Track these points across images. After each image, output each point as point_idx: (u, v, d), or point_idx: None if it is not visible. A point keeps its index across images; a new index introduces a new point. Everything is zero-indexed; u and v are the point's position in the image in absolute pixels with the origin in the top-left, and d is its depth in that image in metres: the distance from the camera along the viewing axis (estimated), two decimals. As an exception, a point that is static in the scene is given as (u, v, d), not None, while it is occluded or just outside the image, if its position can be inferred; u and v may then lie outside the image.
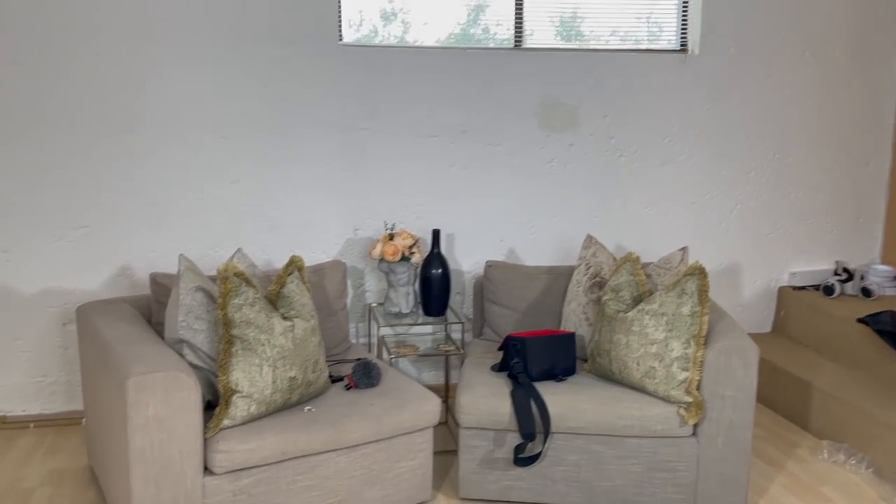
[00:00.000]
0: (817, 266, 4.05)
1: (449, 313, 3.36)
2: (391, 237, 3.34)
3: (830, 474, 2.95)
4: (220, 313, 2.31)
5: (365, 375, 2.65)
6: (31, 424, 3.30)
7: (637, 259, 2.76)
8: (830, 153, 3.97)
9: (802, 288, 3.97)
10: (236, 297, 2.33)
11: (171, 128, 3.25)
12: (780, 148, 3.90)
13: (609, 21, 3.69)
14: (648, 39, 3.72)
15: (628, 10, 3.70)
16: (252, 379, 2.33)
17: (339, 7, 3.39)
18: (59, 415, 3.32)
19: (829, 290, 3.82)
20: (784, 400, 3.48)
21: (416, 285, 3.38)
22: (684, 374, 2.54)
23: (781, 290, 3.99)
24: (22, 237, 3.18)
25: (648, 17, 3.70)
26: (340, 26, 3.42)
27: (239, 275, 2.35)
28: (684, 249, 2.90)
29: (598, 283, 2.95)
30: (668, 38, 3.76)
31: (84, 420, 3.15)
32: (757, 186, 3.91)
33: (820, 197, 3.99)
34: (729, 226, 3.91)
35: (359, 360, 2.74)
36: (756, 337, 3.94)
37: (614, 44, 3.69)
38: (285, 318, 2.44)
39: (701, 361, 2.54)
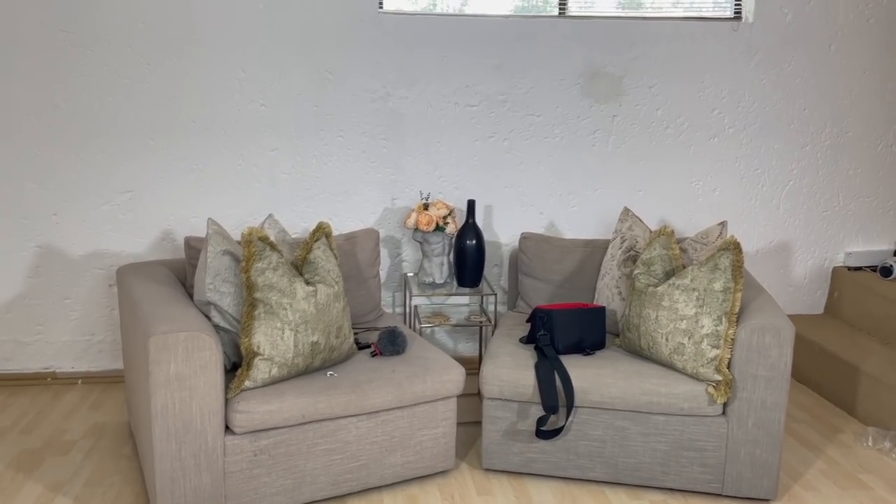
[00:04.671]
0: (875, 246, 3.85)
1: (483, 285, 3.34)
2: (426, 207, 3.33)
3: (873, 462, 2.83)
4: (244, 276, 2.34)
5: (390, 343, 2.66)
6: (79, 381, 3.44)
7: (671, 233, 2.68)
8: (892, 127, 3.75)
9: (858, 269, 3.79)
10: (259, 260, 2.36)
11: (211, 96, 3.29)
12: (838, 121, 3.71)
13: None
14: (713, 9, 3.55)
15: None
16: (274, 342, 2.36)
17: (378, -26, 3.36)
18: (105, 373, 3.45)
19: (886, 271, 3.63)
20: (831, 383, 3.34)
21: (451, 256, 3.36)
22: (714, 352, 2.45)
23: (836, 270, 3.82)
24: (70, 200, 3.29)
25: None
26: (379, -7, 3.39)
27: (263, 239, 2.38)
28: (723, 224, 2.79)
29: (633, 258, 2.88)
30: (725, 7, 3.60)
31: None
32: (812, 161, 3.73)
33: (880, 173, 3.79)
34: (781, 202, 3.75)
35: (387, 327, 2.75)
36: (807, 318, 3.79)
37: (675, 13, 3.55)
38: (308, 284, 2.46)
39: (732, 339, 2.45)
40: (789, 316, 3.80)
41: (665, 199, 3.67)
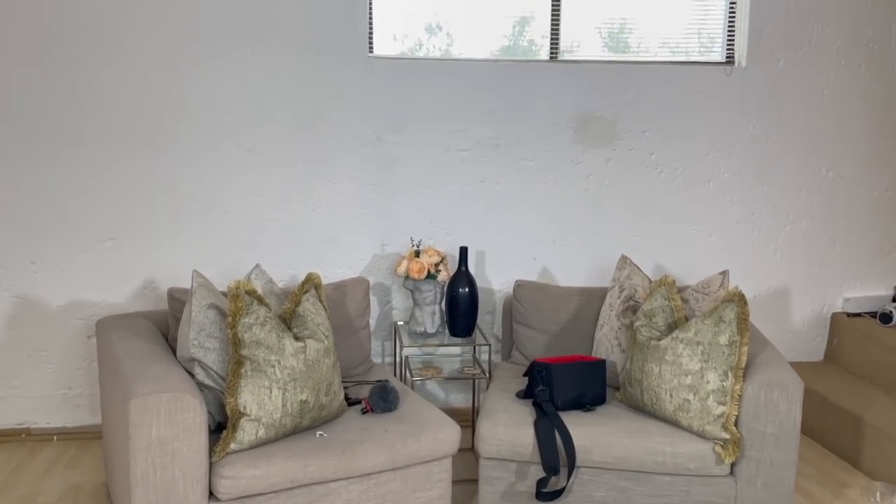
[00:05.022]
0: (873, 291, 3.80)
1: (476, 334, 3.24)
2: (417, 254, 3.24)
3: (884, 520, 2.73)
4: (230, 332, 2.23)
5: (382, 399, 2.55)
6: (55, 437, 3.28)
7: (672, 283, 2.60)
8: (888, 171, 3.73)
9: (857, 315, 3.73)
10: (246, 315, 2.25)
11: (197, 140, 3.21)
12: (833, 165, 3.68)
13: (658, 33, 3.52)
14: (699, 52, 3.54)
15: (678, 21, 3.53)
16: (261, 402, 2.24)
17: (370, 19, 3.31)
18: (82, 428, 3.30)
19: (885, 317, 3.58)
20: (834, 435, 3.25)
21: (443, 304, 3.27)
22: (721, 409, 2.36)
23: (834, 316, 3.76)
24: (49, 248, 3.18)
25: (700, 30, 3.53)
26: (371, 38, 3.34)
27: (250, 292, 2.28)
28: (724, 273, 2.72)
29: (632, 307, 2.80)
30: (716, 50, 3.58)
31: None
32: (808, 206, 3.69)
33: (875, 218, 3.75)
34: (778, 247, 3.70)
35: (378, 382, 2.64)
36: (806, 366, 3.71)
37: (663, 56, 3.53)
38: (297, 339, 2.35)
39: (739, 395, 2.36)
40: (789, 363, 3.72)
41: (661, 244, 3.61)
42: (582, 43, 3.47)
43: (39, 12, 3.02)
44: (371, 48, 3.35)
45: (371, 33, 3.34)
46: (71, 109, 3.10)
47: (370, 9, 3.30)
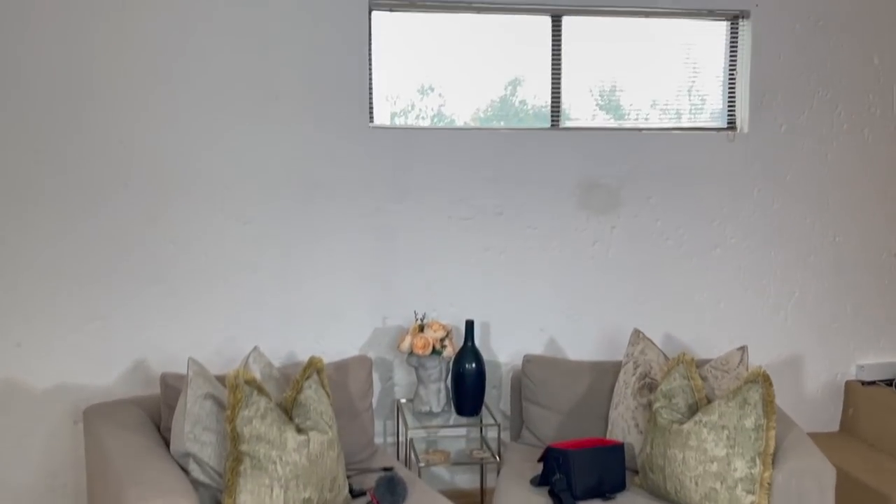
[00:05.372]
0: (887, 358, 3.70)
1: (484, 411, 3.10)
2: (421, 328, 3.12)
3: None
4: (228, 427, 2.10)
5: (388, 492, 2.40)
6: (37, 530, 3.08)
7: (691, 361, 2.49)
8: (895, 236, 3.68)
9: (872, 383, 3.62)
10: (246, 408, 2.12)
11: (192, 214, 3.11)
12: (840, 230, 3.62)
13: (649, 93, 3.49)
14: (691, 112, 3.52)
15: (669, 82, 3.50)
16: (261, 501, 2.09)
17: (371, 89, 3.26)
18: (66, 519, 3.11)
19: (903, 385, 3.47)
20: (859, 513, 3.11)
21: (448, 381, 3.14)
22: (750, 498, 2.23)
23: (849, 384, 3.65)
24: (35, 329, 3.03)
25: (690, 90, 3.51)
26: (371, 108, 3.29)
27: (250, 382, 2.15)
28: (743, 349, 2.62)
29: (649, 385, 2.68)
30: (711, 111, 3.55)
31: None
32: (817, 272, 3.62)
33: (885, 283, 3.68)
34: (788, 314, 3.61)
35: (383, 470, 2.49)
36: (823, 438, 3.58)
37: (654, 116, 3.49)
38: (300, 431, 2.21)
39: (769, 483, 2.24)
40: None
41: (669, 313, 3.51)
42: (573, 104, 3.43)
43: (28, 85, 2.94)
44: (371, 118, 3.29)
45: (371, 104, 3.28)
46: (59, 184, 3.00)
47: (370, 79, 3.25)
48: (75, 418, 3.08)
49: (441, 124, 3.36)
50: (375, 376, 3.30)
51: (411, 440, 3.06)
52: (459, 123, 3.38)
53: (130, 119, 3.03)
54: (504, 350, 3.41)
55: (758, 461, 2.25)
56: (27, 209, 2.98)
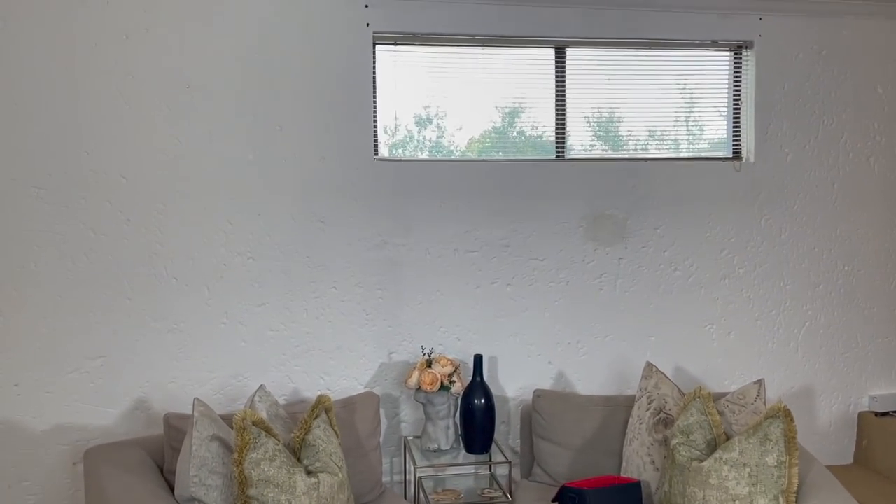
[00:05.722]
0: (901, 389, 3.65)
1: (493, 448, 3.03)
2: (429, 364, 3.06)
3: None
4: (236, 470, 2.03)
5: (400, 535, 2.32)
6: (33, 576, 2.98)
7: (708, 395, 2.44)
8: (906, 264, 3.65)
9: (885, 414, 3.57)
10: (254, 450, 2.05)
11: (194, 249, 3.06)
12: (848, 260, 3.59)
13: (647, 122, 3.48)
14: (689, 141, 3.50)
15: (668, 111, 3.49)
16: (271, 548, 2.01)
17: (375, 123, 3.24)
18: (64, 565, 3.01)
19: (917, 417, 3.42)
20: (879, 549, 3.03)
21: (457, 417, 3.07)
22: (774, 538, 2.16)
23: (862, 415, 3.59)
24: (34, 368, 2.96)
25: (688, 119, 3.50)
26: (376, 142, 3.26)
27: (258, 423, 2.09)
28: (760, 383, 2.57)
29: (664, 421, 2.62)
30: (710, 140, 3.54)
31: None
32: (826, 301, 3.58)
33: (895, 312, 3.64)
34: (798, 345, 3.56)
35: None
36: (837, 471, 3.51)
37: (653, 146, 3.48)
38: (309, 474, 2.15)
39: (793, 523, 2.17)
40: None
41: (679, 345, 3.46)
42: (571, 132, 3.41)
43: (29, 120, 2.91)
44: (376, 151, 3.26)
45: (376, 137, 3.26)
46: (59, 220, 2.95)
47: (374, 113, 3.23)
48: (74, 459, 3.00)
49: (439, 155, 3.34)
50: (381, 413, 3.24)
51: (419, 478, 2.99)
52: (457, 154, 3.36)
53: (133, 153, 2.99)
54: (512, 384, 3.35)
55: (781, 500, 2.18)
56: (27, 245, 2.93)
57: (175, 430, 2.43)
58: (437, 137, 3.36)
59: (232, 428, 2.41)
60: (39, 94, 2.90)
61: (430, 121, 3.35)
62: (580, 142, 3.42)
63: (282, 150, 3.11)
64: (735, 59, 3.53)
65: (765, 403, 2.54)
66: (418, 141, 3.37)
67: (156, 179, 3.02)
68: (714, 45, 3.47)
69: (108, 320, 3.01)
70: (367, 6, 3.15)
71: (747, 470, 2.22)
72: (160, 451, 2.56)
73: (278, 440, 2.13)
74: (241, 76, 3.06)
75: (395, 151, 3.32)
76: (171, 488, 2.31)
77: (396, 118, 3.28)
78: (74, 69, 2.92)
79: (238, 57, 3.05)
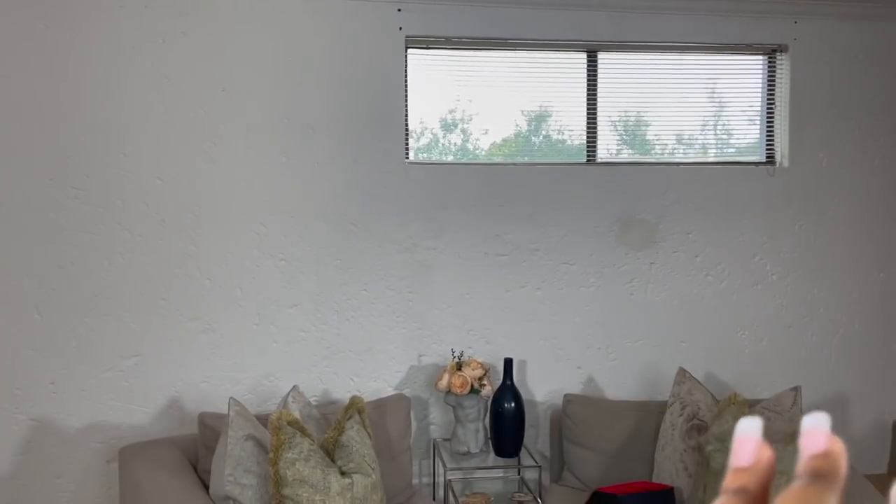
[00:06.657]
0: (938, 398, 3.59)
1: (523, 451, 3.02)
2: (459, 367, 3.06)
3: None
4: (272, 469, 2.04)
5: (432, 537, 2.32)
6: (67, 572, 3.02)
7: (744, 402, 2.42)
8: (943, 271, 3.58)
9: (922, 423, 3.51)
10: (289, 450, 2.06)
11: (228, 250, 3.09)
12: (884, 266, 3.54)
13: (675, 126, 3.45)
14: (717, 145, 3.47)
15: (696, 115, 3.46)
16: (305, 548, 2.02)
17: (406, 126, 3.25)
18: (97, 562, 3.04)
19: (955, 426, 3.35)
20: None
21: (486, 420, 3.07)
22: (812, 547, 2.13)
23: (897, 424, 3.54)
24: (69, 367, 3.01)
25: (716, 123, 3.47)
26: (407, 145, 3.27)
27: (293, 423, 2.10)
28: (796, 389, 2.54)
29: (697, 427, 2.60)
30: (738, 145, 3.50)
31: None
32: (861, 309, 3.53)
33: (935, 319, 3.58)
34: (832, 352, 3.51)
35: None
36: (870, 479, 3.45)
37: (680, 150, 3.45)
38: (343, 474, 2.16)
39: (832, 532, 2.14)
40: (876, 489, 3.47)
41: (710, 351, 3.43)
42: (598, 137, 3.40)
43: (69, 123, 2.95)
44: (407, 154, 3.28)
45: (407, 140, 3.27)
46: (96, 221, 3.00)
47: (406, 116, 3.24)
48: (108, 457, 3.04)
49: (464, 159, 3.34)
50: (411, 415, 3.24)
51: (449, 480, 2.99)
52: (483, 158, 3.36)
53: (168, 155, 3.03)
54: (541, 388, 3.34)
55: (819, 508, 2.15)
56: (64, 245, 2.98)
57: (209, 429, 2.45)
58: (463, 142, 3.37)
59: (266, 428, 2.43)
60: (78, 96, 2.95)
61: (455, 125, 3.36)
62: (606, 146, 3.41)
63: (314, 153, 3.14)
64: (769, 62, 3.49)
65: (801, 410, 2.51)
66: (443, 145, 3.37)
67: (191, 181, 3.05)
68: (748, 48, 3.44)
69: (143, 320, 3.04)
70: (399, 10, 3.16)
71: (784, 478, 2.20)
72: (194, 450, 2.59)
73: (313, 440, 2.15)
74: (274, 79, 3.09)
75: (419, 155, 3.33)
76: (206, 487, 2.33)
77: (422, 122, 3.30)
78: (112, 72, 2.97)
79: (272, 60, 3.08)
